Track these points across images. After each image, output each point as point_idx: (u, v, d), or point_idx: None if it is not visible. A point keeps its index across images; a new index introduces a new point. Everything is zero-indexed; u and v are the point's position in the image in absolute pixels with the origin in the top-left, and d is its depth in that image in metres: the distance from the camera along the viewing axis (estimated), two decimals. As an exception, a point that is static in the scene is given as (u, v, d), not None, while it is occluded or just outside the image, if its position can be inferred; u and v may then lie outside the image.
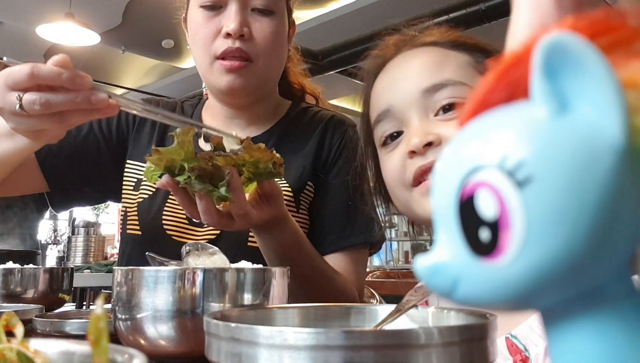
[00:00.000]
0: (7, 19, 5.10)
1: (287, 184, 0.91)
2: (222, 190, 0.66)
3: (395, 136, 0.65)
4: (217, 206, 0.69)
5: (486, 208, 0.16)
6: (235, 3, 0.86)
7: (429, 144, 0.60)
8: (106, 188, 1.01)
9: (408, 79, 0.64)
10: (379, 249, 0.99)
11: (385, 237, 0.97)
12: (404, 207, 0.67)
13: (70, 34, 4.43)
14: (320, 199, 0.94)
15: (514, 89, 0.17)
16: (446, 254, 0.18)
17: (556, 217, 0.15)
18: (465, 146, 0.17)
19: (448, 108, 0.62)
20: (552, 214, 0.15)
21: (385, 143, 0.67)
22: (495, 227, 0.16)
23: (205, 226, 0.90)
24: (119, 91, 7.01)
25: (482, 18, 3.57)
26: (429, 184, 0.60)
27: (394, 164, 0.64)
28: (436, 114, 0.62)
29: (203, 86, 3.87)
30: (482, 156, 0.17)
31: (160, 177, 0.69)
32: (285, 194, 0.90)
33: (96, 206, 6.29)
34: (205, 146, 0.70)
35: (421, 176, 0.61)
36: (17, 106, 0.65)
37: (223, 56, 0.86)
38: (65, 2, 4.41)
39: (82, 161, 0.97)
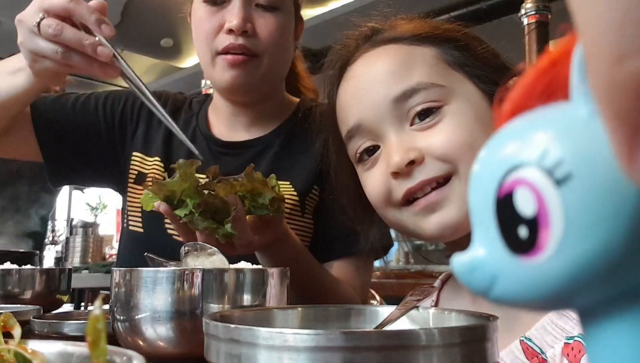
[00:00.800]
0: (6, 17, 5.09)
1: (292, 189, 0.90)
2: (228, 227, 0.66)
3: (372, 149, 0.60)
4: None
5: (524, 205, 0.17)
6: None
7: (411, 163, 0.55)
8: (103, 173, 1.00)
9: (374, 88, 0.58)
10: (386, 254, 0.98)
11: (392, 243, 0.95)
12: (393, 224, 0.61)
13: (69, 34, 4.42)
14: (326, 203, 0.92)
15: (552, 91, 0.18)
16: (484, 251, 0.18)
17: (595, 215, 0.15)
18: (503, 144, 0.18)
19: (423, 114, 0.56)
20: (591, 212, 0.15)
21: (362, 158, 0.61)
22: (533, 225, 0.16)
23: None
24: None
25: (483, 17, 3.57)
26: (422, 204, 0.55)
27: (376, 184, 0.59)
28: (412, 123, 0.57)
29: (202, 85, 3.86)
30: (521, 154, 0.17)
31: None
32: (290, 199, 0.89)
33: (95, 206, 6.28)
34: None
35: (410, 196, 0.56)
36: (35, 23, 0.71)
37: (225, 52, 0.85)
38: (64, 1, 4.41)
39: (77, 136, 0.95)
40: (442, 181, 0.55)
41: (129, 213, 0.94)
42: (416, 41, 0.59)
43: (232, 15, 0.84)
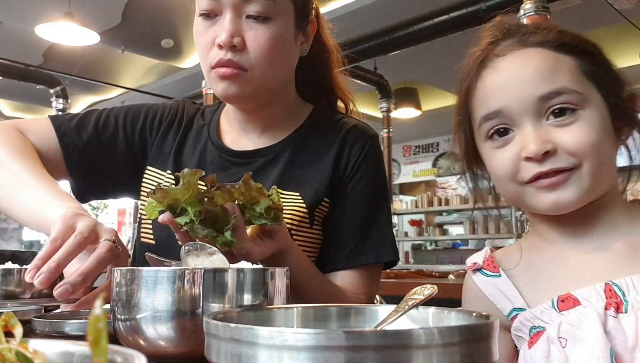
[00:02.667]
0: (5, 18, 5.09)
1: (302, 201, 0.90)
2: (227, 234, 0.66)
3: (502, 131, 0.69)
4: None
5: None
6: (229, 12, 0.84)
7: (546, 153, 0.65)
8: (126, 187, 1.02)
9: (523, 84, 0.67)
10: (394, 266, 0.98)
11: (398, 257, 0.95)
12: (512, 197, 0.72)
13: (69, 34, 4.42)
14: (336, 214, 0.92)
15: None
16: None
17: None
18: None
19: (558, 112, 0.66)
20: None
21: (492, 137, 0.70)
22: None
23: None
24: (119, 91, 7.01)
25: (482, 18, 3.56)
26: (546, 183, 0.66)
27: (505, 162, 0.69)
28: (547, 118, 0.66)
29: (202, 85, 3.87)
30: None
31: (160, 213, 0.69)
32: (299, 210, 0.89)
33: (96, 206, 6.28)
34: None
35: (537, 177, 0.66)
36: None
37: (217, 66, 0.86)
38: (65, 1, 4.40)
39: (102, 155, 0.98)
40: (565, 170, 0.66)
41: (143, 225, 0.95)
42: (561, 49, 0.68)
43: (222, 30, 0.84)
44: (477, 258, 0.76)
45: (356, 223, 0.91)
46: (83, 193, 1.01)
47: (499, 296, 0.72)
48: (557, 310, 0.65)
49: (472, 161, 0.77)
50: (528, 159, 0.66)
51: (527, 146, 0.66)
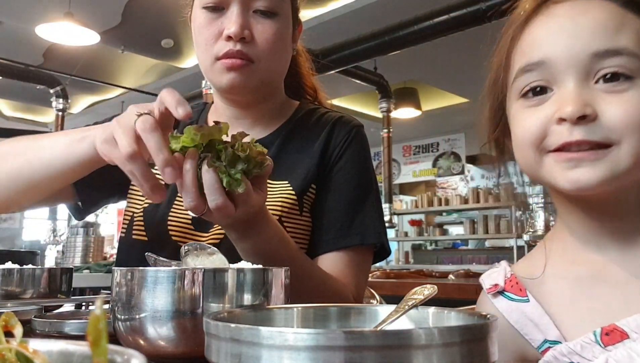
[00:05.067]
0: (5, 18, 5.09)
1: (291, 188, 0.91)
2: (237, 175, 0.64)
3: (539, 91, 0.59)
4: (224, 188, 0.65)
5: None
6: (237, 5, 0.86)
7: (582, 117, 0.54)
8: (119, 194, 1.02)
9: (578, 35, 0.57)
10: (386, 257, 0.97)
11: (390, 250, 0.95)
12: (529, 168, 0.62)
13: (69, 34, 4.42)
14: (321, 198, 0.93)
15: None
16: None
17: None
18: None
19: (610, 77, 0.55)
20: None
21: (526, 95, 0.60)
22: None
23: (210, 230, 0.89)
24: (119, 91, 7.01)
25: (482, 18, 3.57)
26: (570, 156, 0.55)
27: (533, 124, 0.58)
28: (596, 81, 0.56)
29: (202, 85, 3.87)
30: None
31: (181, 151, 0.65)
32: (289, 198, 0.90)
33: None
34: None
35: (563, 148, 0.56)
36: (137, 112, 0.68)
37: (224, 57, 0.86)
38: (65, 1, 4.40)
39: (106, 173, 0.96)
40: (599, 146, 0.55)
41: (135, 222, 0.95)
42: (630, 6, 0.58)
43: (231, 22, 0.86)
44: (497, 277, 0.65)
45: (341, 207, 0.91)
46: (88, 206, 1.00)
47: (528, 326, 0.60)
48: (602, 345, 0.54)
49: (494, 130, 0.67)
50: (561, 121, 0.55)
51: (564, 106, 0.55)
